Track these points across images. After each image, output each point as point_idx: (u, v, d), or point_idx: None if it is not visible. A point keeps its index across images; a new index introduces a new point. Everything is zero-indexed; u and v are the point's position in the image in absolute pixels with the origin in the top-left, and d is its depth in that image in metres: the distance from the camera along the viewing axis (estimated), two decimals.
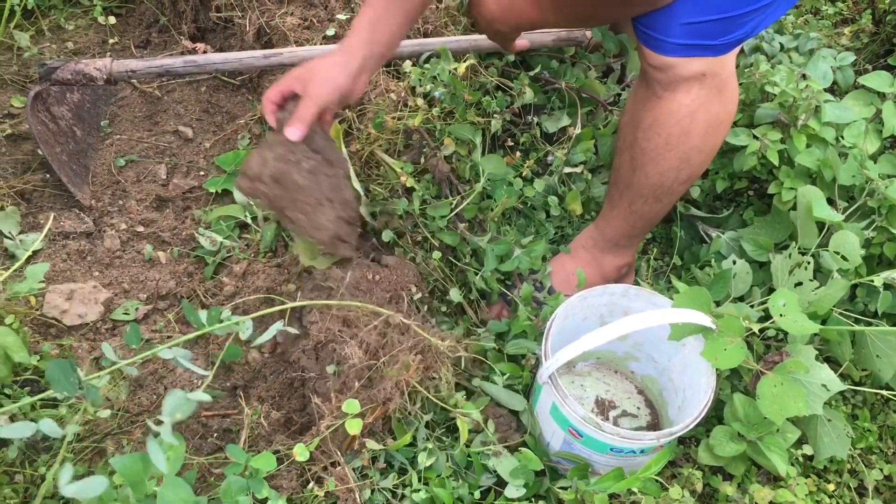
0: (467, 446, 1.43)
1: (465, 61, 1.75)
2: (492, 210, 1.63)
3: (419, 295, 1.55)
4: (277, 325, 1.40)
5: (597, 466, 1.45)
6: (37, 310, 1.67)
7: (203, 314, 1.31)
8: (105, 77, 1.82)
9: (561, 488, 1.44)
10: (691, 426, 1.37)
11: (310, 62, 1.43)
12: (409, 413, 1.45)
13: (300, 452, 1.35)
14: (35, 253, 1.76)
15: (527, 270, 1.60)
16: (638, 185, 1.50)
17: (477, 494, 1.40)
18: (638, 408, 1.62)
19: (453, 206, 1.61)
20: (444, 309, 1.66)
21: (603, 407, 1.61)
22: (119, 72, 1.83)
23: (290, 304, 1.47)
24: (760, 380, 1.34)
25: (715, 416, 1.53)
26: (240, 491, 1.22)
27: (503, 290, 1.61)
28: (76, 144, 1.95)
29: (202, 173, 1.99)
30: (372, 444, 1.41)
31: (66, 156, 1.89)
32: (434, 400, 1.43)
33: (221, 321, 1.28)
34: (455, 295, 1.57)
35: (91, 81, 1.82)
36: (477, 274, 1.58)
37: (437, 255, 1.59)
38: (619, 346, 1.62)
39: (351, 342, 1.49)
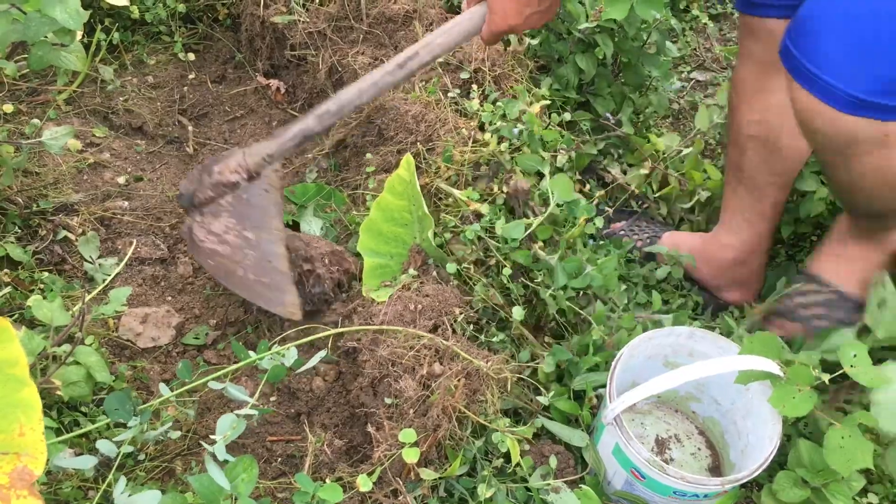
0: (524, 478, 1.44)
1: (538, 102, 1.80)
2: (567, 231, 1.66)
3: (462, 316, 1.58)
4: (320, 354, 1.45)
5: None
6: (113, 332, 1.73)
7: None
8: (246, 176, 1.64)
9: None
10: (756, 473, 1.36)
11: None
12: (461, 439, 1.47)
13: (363, 483, 1.37)
14: (113, 277, 1.83)
15: (601, 289, 1.62)
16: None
17: None
18: (699, 449, 1.61)
19: (527, 226, 1.65)
20: (499, 337, 1.66)
21: (663, 447, 1.61)
22: (257, 163, 1.64)
23: (332, 331, 1.52)
24: (828, 431, 1.33)
25: (777, 460, 1.51)
26: None
27: (577, 310, 1.62)
28: (255, 250, 1.70)
29: None
30: (427, 472, 1.43)
31: (251, 272, 1.69)
32: (482, 422, 1.45)
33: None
34: (518, 313, 1.58)
35: (234, 187, 1.64)
36: (548, 290, 1.60)
37: (507, 271, 1.61)
38: (682, 386, 1.61)
39: (405, 375, 1.53)
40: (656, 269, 1.84)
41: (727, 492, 1.40)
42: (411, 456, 1.42)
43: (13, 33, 1.48)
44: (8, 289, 1.61)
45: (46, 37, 1.54)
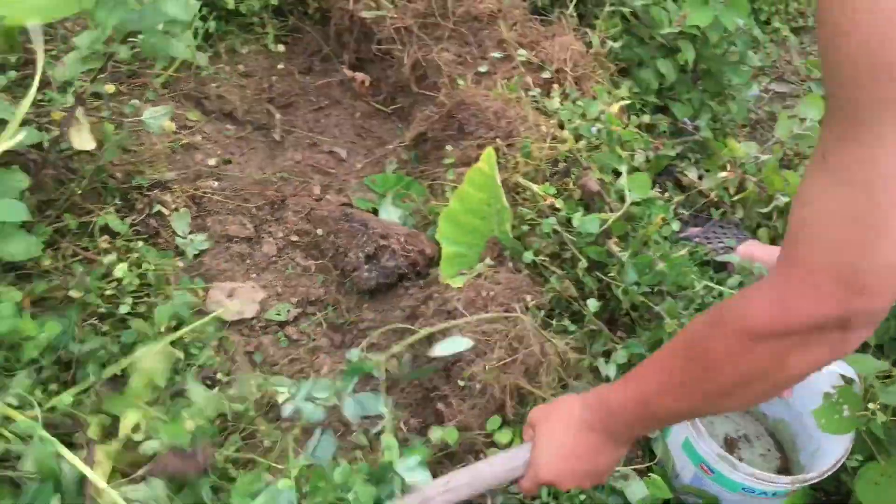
0: None
1: (618, 101, 1.83)
2: (644, 228, 1.69)
3: (533, 302, 1.62)
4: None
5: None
6: (202, 303, 1.82)
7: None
8: None
9: None
10: (826, 474, 1.37)
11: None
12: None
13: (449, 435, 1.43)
14: (202, 252, 1.92)
15: (673, 285, 1.64)
16: None
17: None
18: (768, 450, 1.63)
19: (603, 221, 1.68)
20: (571, 328, 1.69)
21: (732, 446, 1.62)
22: None
23: (423, 331, 1.56)
24: (863, 466, 1.34)
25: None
26: None
27: (650, 305, 1.65)
28: None
29: (352, 192, 2.13)
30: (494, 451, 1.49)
31: None
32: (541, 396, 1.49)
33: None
34: (592, 305, 1.62)
35: None
36: (619, 287, 1.63)
37: (582, 265, 1.65)
38: None
39: (477, 360, 1.58)
40: (728, 278, 1.85)
41: (795, 492, 1.42)
42: (503, 437, 1.48)
43: (129, 23, 1.58)
44: (112, 255, 1.70)
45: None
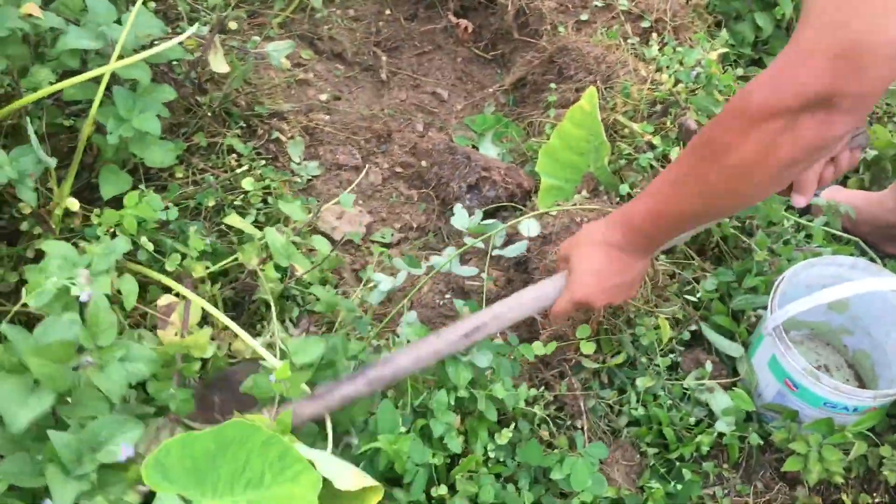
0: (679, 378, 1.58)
1: (716, 49, 1.91)
2: None
3: None
4: (521, 246, 1.63)
5: (806, 421, 1.55)
6: (314, 224, 1.97)
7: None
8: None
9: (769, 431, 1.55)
10: None
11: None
12: (618, 329, 1.62)
13: (537, 349, 1.55)
14: (314, 177, 2.07)
15: (763, 219, 1.72)
16: None
17: (691, 420, 1.54)
18: (847, 380, 1.70)
19: None
20: (660, 257, 1.79)
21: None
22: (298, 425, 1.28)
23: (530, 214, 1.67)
24: None
25: None
26: None
27: (739, 236, 1.74)
28: None
29: (453, 130, 2.25)
30: (588, 362, 1.60)
31: None
32: (636, 306, 1.59)
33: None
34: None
35: None
36: None
37: None
38: (836, 318, 1.71)
39: None
40: (812, 220, 1.92)
41: (876, 409, 1.49)
42: (587, 348, 1.59)
43: None
44: (244, 169, 1.87)
45: None
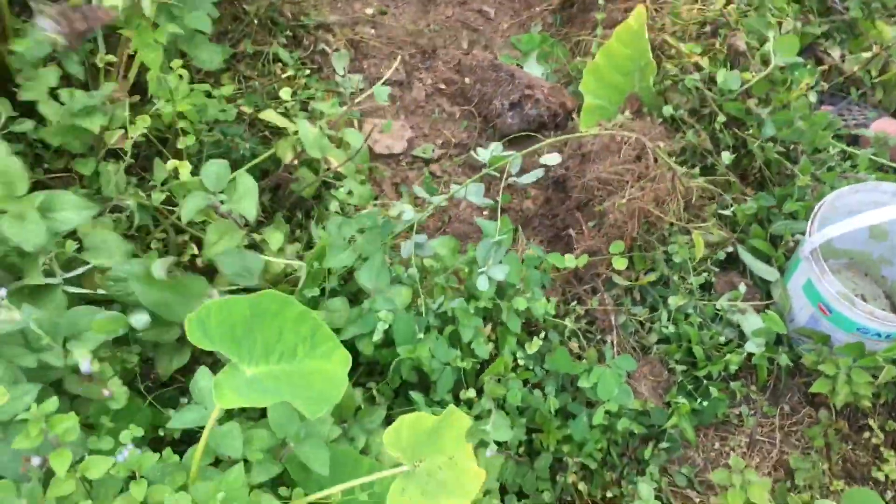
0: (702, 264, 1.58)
1: None
2: (787, 92, 1.74)
3: (666, 148, 1.71)
4: (537, 173, 1.63)
5: (837, 345, 1.55)
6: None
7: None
8: None
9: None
10: None
11: None
12: (651, 246, 1.63)
13: (569, 260, 1.56)
14: (358, 90, 2.08)
15: (809, 144, 1.70)
16: None
17: (721, 340, 1.55)
18: (883, 309, 1.69)
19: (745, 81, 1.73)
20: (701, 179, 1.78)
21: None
22: None
23: (549, 140, 1.67)
24: None
25: None
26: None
27: (782, 161, 1.72)
28: None
29: (498, 49, 2.23)
30: (620, 279, 1.61)
31: None
32: (669, 222, 1.59)
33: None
34: (726, 157, 1.69)
35: None
36: (755, 142, 1.70)
37: (720, 119, 1.72)
38: (876, 247, 1.70)
39: (609, 198, 1.68)
40: (860, 151, 1.88)
41: None
42: (619, 264, 1.60)
43: None
44: (288, 75, 1.89)
45: None
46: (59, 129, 1.45)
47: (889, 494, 1.52)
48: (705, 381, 1.55)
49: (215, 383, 0.92)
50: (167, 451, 1.09)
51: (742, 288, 1.59)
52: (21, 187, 1.16)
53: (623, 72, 1.90)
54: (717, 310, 1.59)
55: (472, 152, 2.03)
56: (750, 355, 1.55)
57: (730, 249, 1.65)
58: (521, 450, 1.46)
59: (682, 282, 1.61)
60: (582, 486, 1.46)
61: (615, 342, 1.58)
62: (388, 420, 1.32)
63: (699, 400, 1.54)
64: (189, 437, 1.23)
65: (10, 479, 1.00)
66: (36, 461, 1.03)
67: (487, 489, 1.31)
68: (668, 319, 1.58)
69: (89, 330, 1.16)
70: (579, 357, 1.55)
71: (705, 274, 1.61)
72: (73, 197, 1.23)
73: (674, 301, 1.57)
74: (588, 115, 1.93)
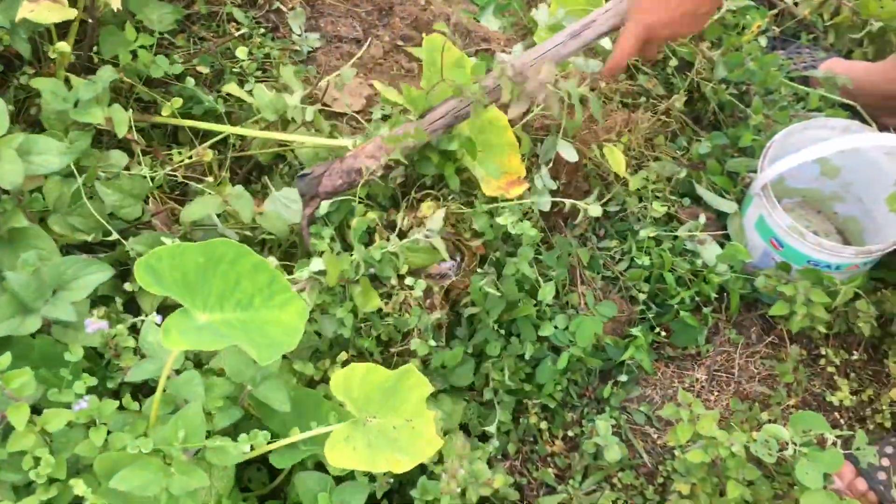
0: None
1: None
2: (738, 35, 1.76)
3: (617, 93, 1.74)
4: None
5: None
6: (314, 94, 1.98)
7: None
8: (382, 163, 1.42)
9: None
10: (889, 248, 1.48)
11: None
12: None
13: None
14: (314, 49, 2.08)
15: (760, 85, 1.72)
16: None
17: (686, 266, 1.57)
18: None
19: None
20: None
21: None
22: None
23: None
24: None
25: None
26: None
27: (735, 102, 1.74)
28: None
29: (455, 3, 2.23)
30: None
31: None
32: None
33: None
34: (678, 101, 1.72)
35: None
36: (707, 84, 1.72)
37: (672, 62, 1.76)
38: (828, 184, 1.73)
39: None
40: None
41: (858, 266, 1.53)
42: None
43: None
44: (242, 34, 1.88)
45: None
46: None
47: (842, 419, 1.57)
48: (678, 308, 1.57)
49: (164, 327, 0.93)
50: (126, 398, 1.11)
51: (702, 219, 1.60)
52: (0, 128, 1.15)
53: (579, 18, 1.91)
54: (675, 238, 1.60)
55: None
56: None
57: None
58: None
59: (642, 214, 1.62)
60: (543, 426, 1.49)
61: (583, 280, 1.59)
62: None
63: (659, 331, 1.55)
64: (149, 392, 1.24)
65: None
66: None
67: (447, 429, 1.34)
68: (641, 250, 1.58)
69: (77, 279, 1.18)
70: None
71: (668, 206, 1.62)
72: (53, 141, 1.23)
73: (644, 232, 1.57)
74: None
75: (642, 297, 1.56)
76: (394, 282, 1.40)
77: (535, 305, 1.48)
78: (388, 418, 1.12)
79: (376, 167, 1.41)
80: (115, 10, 1.53)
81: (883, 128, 1.87)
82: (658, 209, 1.59)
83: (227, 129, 1.62)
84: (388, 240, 1.39)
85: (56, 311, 1.15)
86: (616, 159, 1.52)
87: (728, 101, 1.75)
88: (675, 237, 1.58)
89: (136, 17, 1.66)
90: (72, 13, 1.29)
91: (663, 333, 1.57)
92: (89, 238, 1.33)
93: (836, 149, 1.44)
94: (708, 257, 1.56)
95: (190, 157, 1.56)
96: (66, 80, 1.38)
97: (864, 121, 1.79)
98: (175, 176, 1.54)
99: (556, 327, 1.49)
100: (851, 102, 1.76)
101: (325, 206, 1.42)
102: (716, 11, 1.29)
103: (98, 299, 1.33)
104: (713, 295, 1.58)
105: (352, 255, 1.35)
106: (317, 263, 1.30)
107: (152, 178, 1.43)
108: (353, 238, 1.37)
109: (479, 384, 1.47)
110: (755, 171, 1.64)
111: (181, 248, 0.95)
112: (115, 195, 1.32)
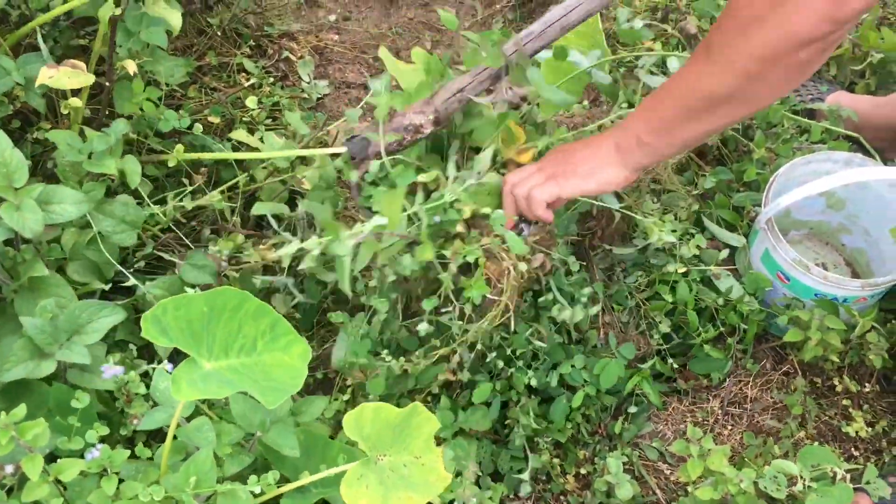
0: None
1: None
2: None
3: None
4: None
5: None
6: (325, 137, 2.02)
7: None
8: (432, 118, 1.43)
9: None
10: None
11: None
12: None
13: None
14: (323, 96, 2.12)
15: (763, 120, 1.74)
16: None
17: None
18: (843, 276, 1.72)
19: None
20: None
21: None
22: (446, 101, 1.44)
23: None
24: None
25: None
26: None
27: (738, 137, 1.76)
28: None
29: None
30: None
31: None
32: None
33: None
34: None
35: (418, 131, 1.43)
36: None
37: None
38: (834, 216, 1.73)
39: None
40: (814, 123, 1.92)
41: (867, 300, 1.52)
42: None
43: None
44: (251, 83, 1.93)
45: None
46: None
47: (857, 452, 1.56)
48: (701, 341, 1.58)
49: (173, 378, 0.95)
50: (139, 446, 1.12)
51: (724, 253, 1.61)
52: (20, 178, 1.19)
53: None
54: (703, 272, 1.60)
55: None
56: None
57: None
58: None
59: (665, 249, 1.62)
60: (556, 463, 1.49)
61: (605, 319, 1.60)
62: None
63: (672, 364, 1.55)
64: (163, 437, 1.26)
65: None
66: (9, 469, 1.06)
67: (459, 471, 1.34)
68: (666, 284, 1.59)
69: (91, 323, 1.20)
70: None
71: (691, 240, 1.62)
72: (71, 191, 1.26)
73: (672, 266, 1.57)
74: (546, 108, 1.96)
75: (664, 329, 1.56)
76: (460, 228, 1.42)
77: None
78: (398, 456, 1.13)
79: (425, 122, 1.43)
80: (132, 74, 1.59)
81: (888, 162, 1.87)
82: (691, 248, 1.59)
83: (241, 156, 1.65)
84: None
85: (71, 354, 1.17)
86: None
87: (731, 136, 1.76)
88: (703, 271, 1.59)
89: (148, 72, 1.71)
90: (90, 79, 1.33)
91: (676, 366, 1.57)
92: (106, 287, 1.37)
93: (840, 182, 1.45)
94: (729, 289, 1.56)
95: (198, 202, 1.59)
96: (81, 133, 1.42)
97: (866, 153, 1.80)
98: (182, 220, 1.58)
99: (573, 366, 1.50)
100: (854, 134, 1.77)
101: (375, 165, 1.44)
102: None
103: (115, 344, 1.36)
104: (741, 325, 1.58)
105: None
106: (377, 219, 1.32)
107: (156, 215, 1.47)
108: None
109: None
110: (760, 205, 1.65)
111: (186, 298, 0.97)
112: (105, 220, 1.34)
